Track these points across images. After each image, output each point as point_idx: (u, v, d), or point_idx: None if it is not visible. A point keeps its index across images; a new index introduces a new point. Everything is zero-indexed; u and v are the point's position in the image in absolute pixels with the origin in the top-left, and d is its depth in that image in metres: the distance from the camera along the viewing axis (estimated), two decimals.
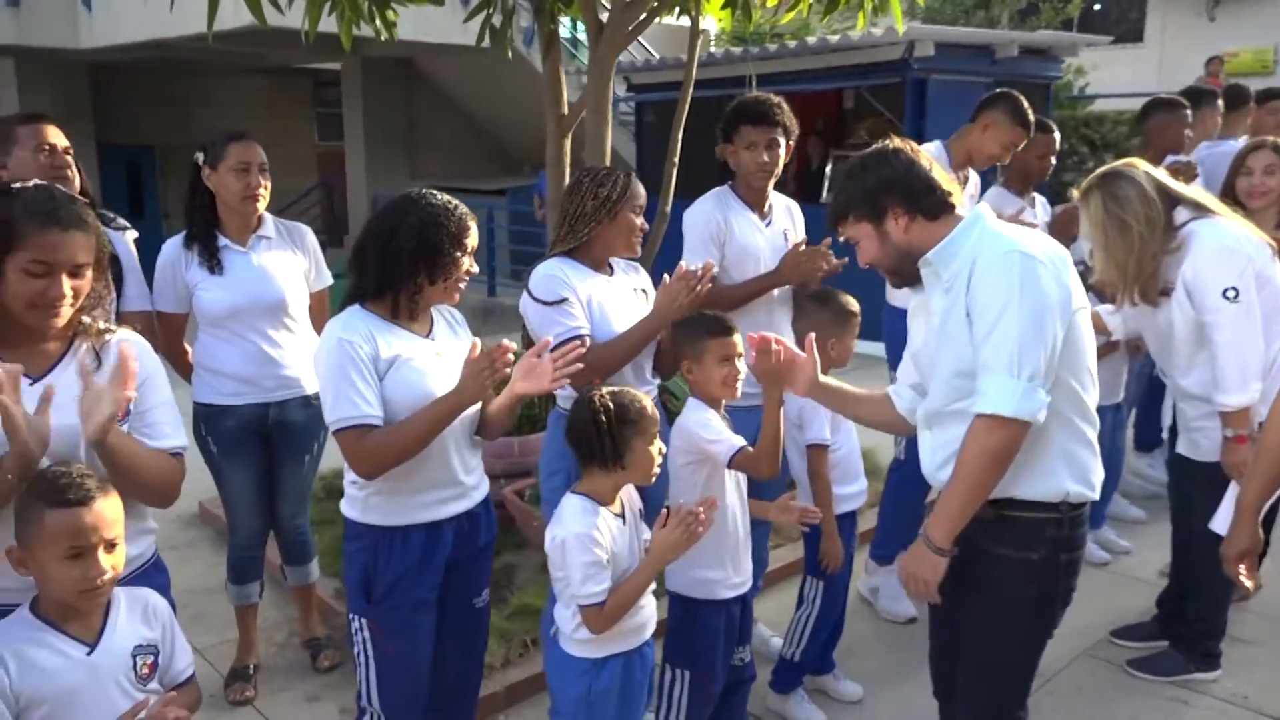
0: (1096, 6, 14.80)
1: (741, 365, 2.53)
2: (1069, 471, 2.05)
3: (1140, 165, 2.95)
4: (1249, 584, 2.20)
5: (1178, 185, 2.97)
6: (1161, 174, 2.97)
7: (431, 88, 13.66)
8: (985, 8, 12.84)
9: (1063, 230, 4.06)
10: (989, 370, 1.94)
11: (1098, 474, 2.12)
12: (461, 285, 2.30)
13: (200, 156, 3.02)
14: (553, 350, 2.28)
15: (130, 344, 1.93)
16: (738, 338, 2.54)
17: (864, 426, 2.60)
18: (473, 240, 2.28)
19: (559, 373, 2.24)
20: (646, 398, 2.27)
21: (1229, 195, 3.41)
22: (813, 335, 2.39)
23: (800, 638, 3.09)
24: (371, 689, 2.34)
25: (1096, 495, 2.11)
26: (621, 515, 2.27)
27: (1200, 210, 2.94)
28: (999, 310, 1.93)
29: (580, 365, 2.27)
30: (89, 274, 1.82)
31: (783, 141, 3.11)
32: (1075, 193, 3.04)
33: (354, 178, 13.57)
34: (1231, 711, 3.12)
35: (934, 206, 2.09)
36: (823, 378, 2.39)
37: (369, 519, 2.29)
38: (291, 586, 3.53)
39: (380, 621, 2.29)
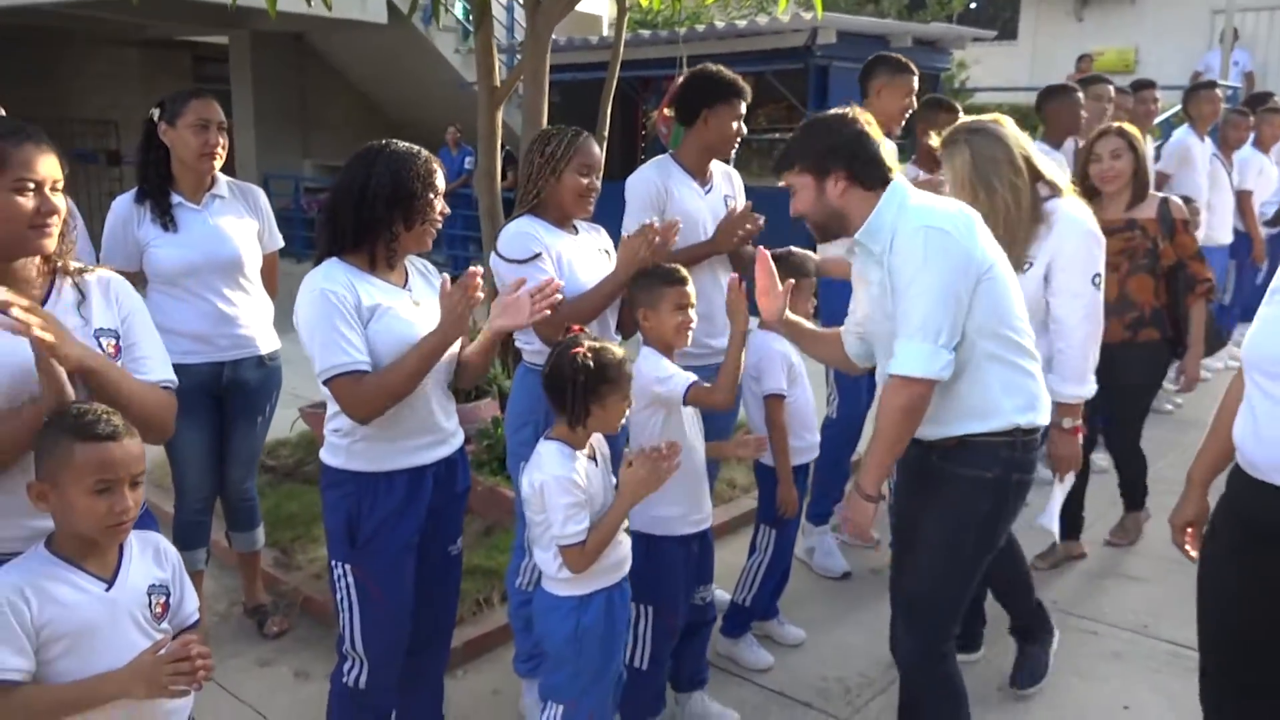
0: (973, 4, 15.51)
1: (693, 314, 2.65)
2: (1014, 404, 2.27)
3: (1006, 124, 2.74)
4: (1193, 553, 2.21)
5: (1039, 157, 2.79)
6: (1026, 141, 2.76)
7: (324, 64, 13.28)
8: (875, 2, 13.33)
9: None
10: (902, 336, 2.17)
11: (1045, 400, 2.35)
12: (435, 228, 2.33)
13: (156, 113, 2.97)
14: (529, 290, 2.33)
15: (114, 281, 1.93)
16: (691, 287, 2.65)
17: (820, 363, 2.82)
18: (440, 182, 2.33)
19: (538, 306, 2.30)
20: (622, 352, 2.37)
21: (1082, 182, 3.56)
22: (791, 282, 2.59)
23: (753, 583, 3.24)
24: (355, 634, 2.36)
25: (1046, 420, 2.34)
26: (594, 458, 2.37)
27: (1056, 190, 2.86)
28: (908, 282, 2.16)
29: (560, 296, 2.34)
30: (61, 194, 1.81)
31: None
32: (935, 137, 2.86)
33: (244, 156, 13.07)
34: (1137, 639, 3.43)
35: (872, 178, 2.27)
36: (787, 313, 2.59)
37: (353, 465, 2.31)
38: (238, 552, 3.48)
39: (365, 565, 2.32)
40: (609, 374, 2.28)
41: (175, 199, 3.01)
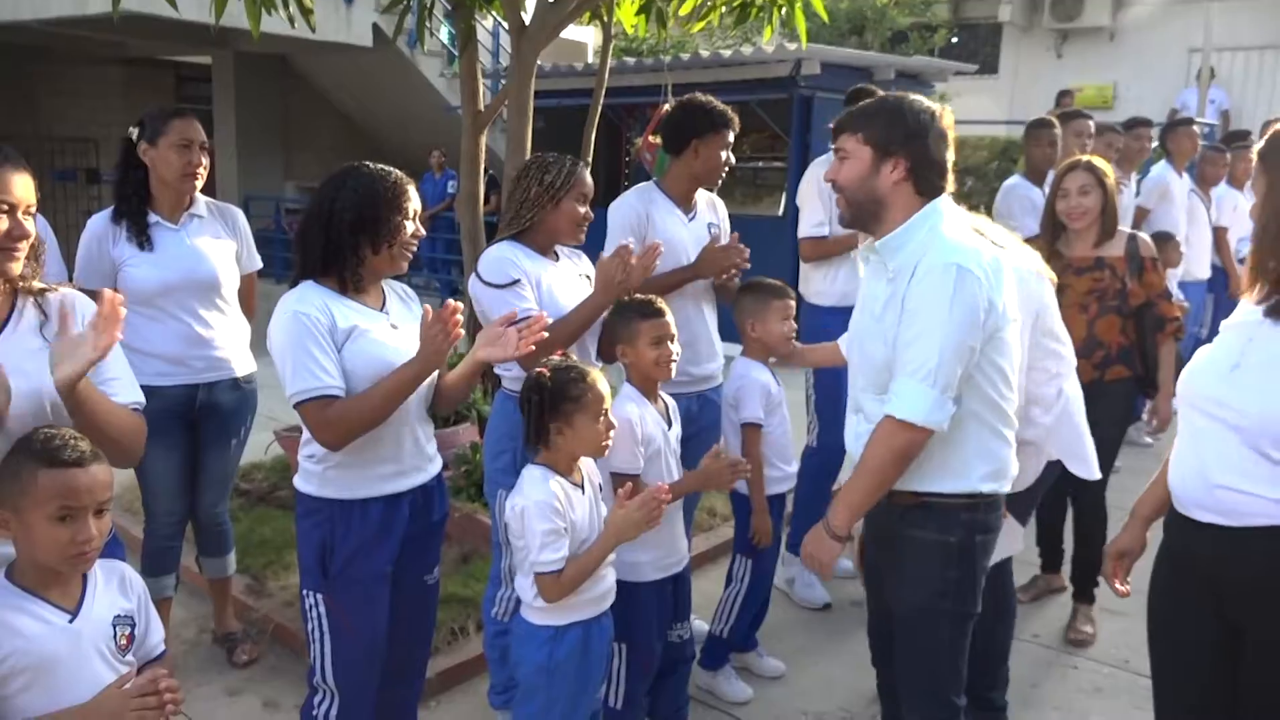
0: (955, 39, 15.72)
1: (675, 346, 2.63)
2: (984, 470, 2.15)
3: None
4: (1123, 589, 2.21)
5: (980, 220, 2.59)
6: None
7: (307, 86, 13.28)
8: (859, 33, 13.49)
9: None
10: (907, 374, 2.02)
11: (1013, 467, 2.23)
12: (408, 251, 2.28)
13: (135, 132, 2.93)
14: (516, 325, 2.30)
15: (79, 300, 1.89)
16: (670, 318, 2.63)
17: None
18: (413, 204, 2.27)
19: (525, 340, 2.24)
20: (595, 372, 2.33)
21: (1050, 217, 3.56)
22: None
23: (730, 614, 3.20)
24: (326, 666, 2.31)
25: (1008, 488, 2.23)
26: (580, 486, 2.33)
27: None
28: (927, 319, 2.01)
29: (545, 334, 2.30)
30: (32, 216, 1.77)
31: None
32: None
33: (225, 177, 13.01)
34: (1117, 674, 3.41)
35: (929, 185, 2.10)
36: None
37: (326, 492, 2.27)
38: (208, 578, 3.41)
39: (337, 596, 2.27)
40: (570, 392, 2.26)
41: (153, 218, 2.97)
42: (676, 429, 2.72)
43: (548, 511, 2.21)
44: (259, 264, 3.28)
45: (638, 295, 2.71)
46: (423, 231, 2.31)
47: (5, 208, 1.70)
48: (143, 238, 2.94)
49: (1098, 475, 3.02)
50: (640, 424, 2.55)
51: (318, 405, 2.13)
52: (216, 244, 3.07)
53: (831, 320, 3.71)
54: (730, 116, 3.20)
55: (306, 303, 2.18)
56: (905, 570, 2.23)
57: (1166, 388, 3.55)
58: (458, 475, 4.17)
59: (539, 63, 4.40)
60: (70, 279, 2.94)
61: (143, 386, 2.94)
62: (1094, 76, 14.54)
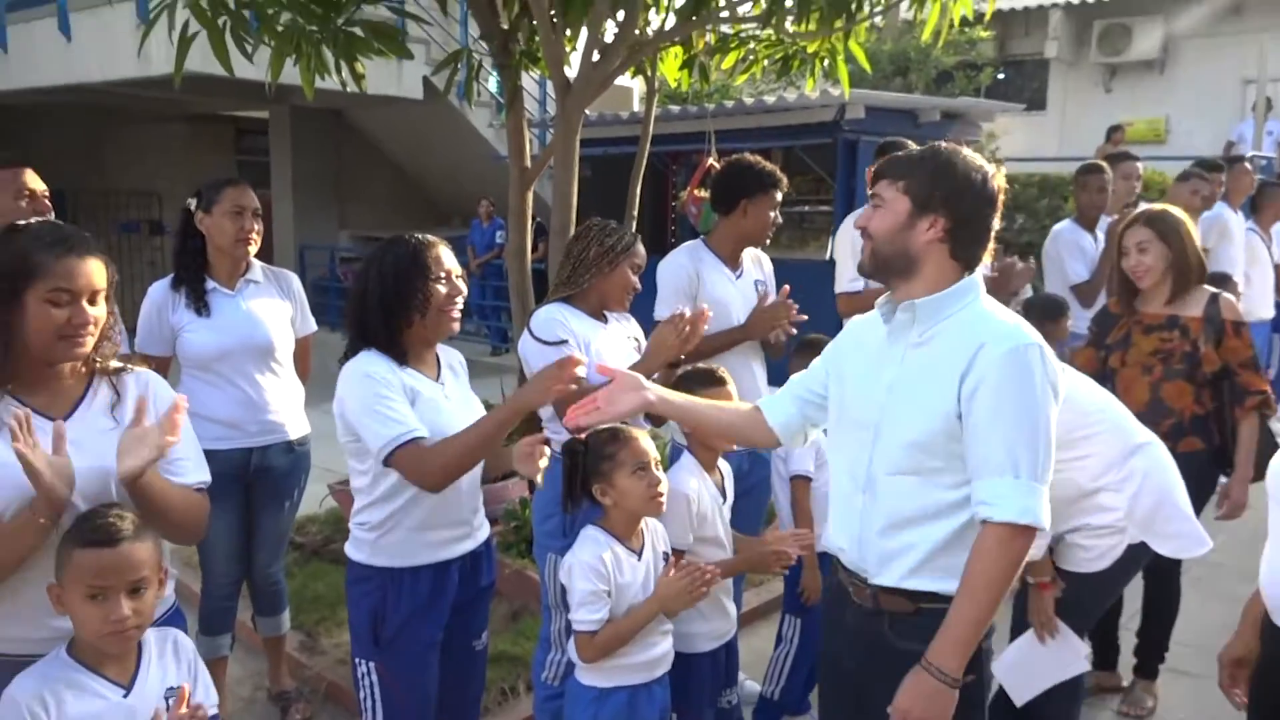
0: (1001, 76, 15.64)
1: None
2: None
3: None
4: (1241, 699, 2.04)
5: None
6: None
7: (361, 139, 13.60)
8: (904, 75, 13.49)
9: (1000, 285, 4.06)
10: (1007, 473, 1.78)
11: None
12: (451, 312, 2.29)
13: (193, 202, 3.03)
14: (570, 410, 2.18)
15: (152, 382, 1.94)
16: (733, 388, 2.65)
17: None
18: (446, 265, 2.28)
19: (565, 380, 2.15)
20: (633, 431, 2.36)
21: (1121, 275, 3.36)
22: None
23: (780, 675, 3.16)
24: None
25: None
26: (639, 552, 2.34)
27: None
28: (1019, 408, 1.79)
29: (581, 377, 2.24)
30: (104, 302, 1.83)
31: None
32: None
33: (281, 228, 13.36)
34: None
35: (966, 251, 1.90)
36: (659, 389, 2.17)
37: (377, 560, 2.29)
38: (264, 637, 3.45)
39: (389, 663, 2.29)
40: (605, 451, 2.30)
41: (210, 285, 3.06)
42: (730, 499, 2.72)
43: (590, 573, 2.26)
44: (313, 327, 3.35)
45: (699, 365, 2.75)
46: (463, 288, 2.32)
47: (66, 296, 1.75)
48: (200, 304, 3.02)
49: (1202, 549, 2.73)
50: (698, 500, 2.56)
51: (411, 450, 2.12)
52: (272, 309, 3.14)
53: None
54: (779, 177, 3.24)
55: (372, 364, 2.22)
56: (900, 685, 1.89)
57: (1243, 470, 3.23)
58: (507, 531, 4.19)
59: (586, 112, 4.47)
60: (132, 345, 3.03)
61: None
62: (1145, 110, 14.34)
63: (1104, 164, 4.98)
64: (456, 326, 2.34)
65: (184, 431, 1.95)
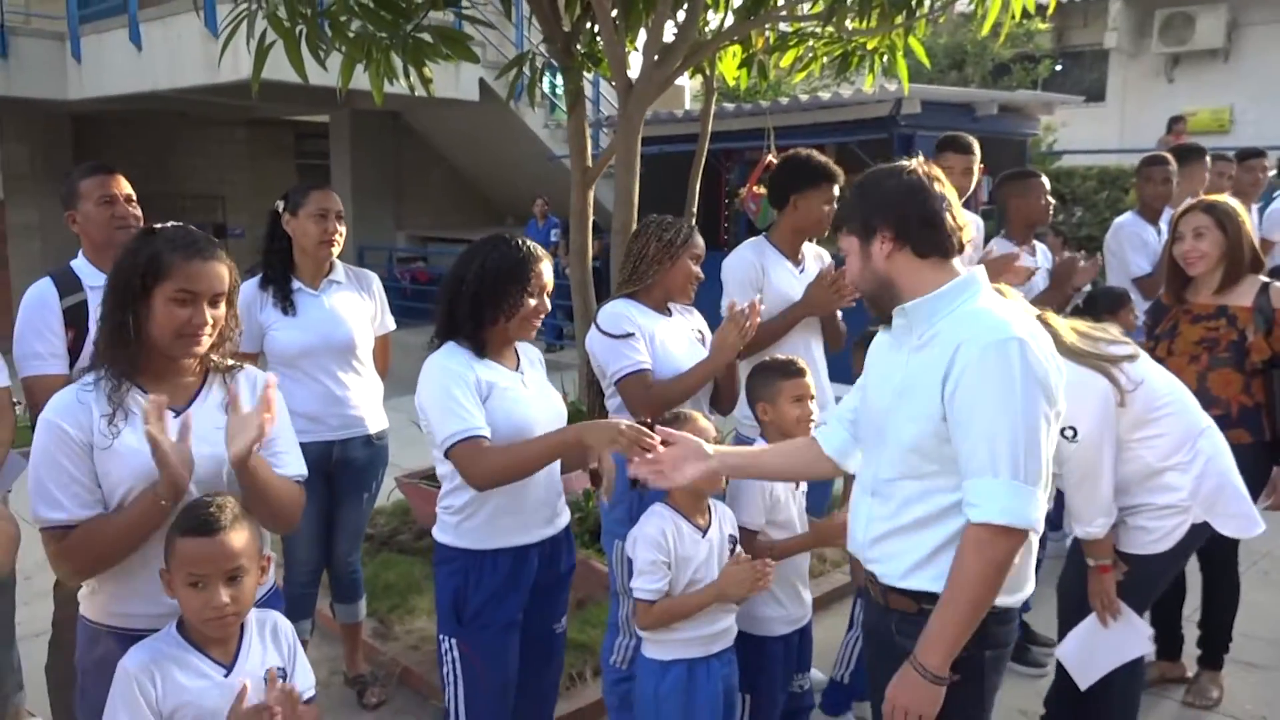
0: (1059, 68, 15.42)
1: (814, 406, 2.70)
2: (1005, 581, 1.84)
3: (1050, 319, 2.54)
4: None
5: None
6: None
7: (418, 140, 13.86)
8: (959, 68, 13.37)
9: (1062, 280, 4.11)
10: (988, 473, 1.77)
11: (1029, 581, 1.98)
12: (535, 322, 2.42)
13: (280, 204, 3.16)
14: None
15: (260, 379, 2.06)
16: (809, 379, 2.72)
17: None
18: (542, 280, 2.40)
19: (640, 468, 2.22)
20: (694, 413, 2.46)
21: (1171, 263, 3.37)
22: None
23: (850, 659, 3.21)
24: (460, 709, 2.43)
25: (1022, 600, 1.96)
26: (704, 529, 2.44)
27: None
28: (995, 406, 1.76)
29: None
30: (224, 305, 1.95)
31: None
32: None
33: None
34: None
35: (925, 243, 1.88)
36: (719, 448, 2.27)
37: (461, 543, 2.40)
38: (341, 623, 3.58)
39: (470, 641, 2.40)
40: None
41: (295, 284, 3.19)
42: (805, 485, 2.78)
43: (651, 544, 2.38)
44: (392, 325, 3.47)
45: (778, 356, 2.82)
46: (547, 307, 2.43)
47: (189, 296, 1.87)
48: (286, 303, 3.15)
49: (1257, 529, 2.75)
50: (772, 483, 2.62)
51: (468, 447, 2.23)
52: (354, 308, 3.27)
53: None
54: (830, 170, 3.27)
55: (451, 358, 2.34)
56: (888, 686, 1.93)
57: None
58: (572, 522, 4.27)
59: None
60: None
61: None
62: (1208, 100, 14.03)
63: (1168, 155, 4.92)
64: (534, 334, 2.47)
65: (283, 426, 2.07)
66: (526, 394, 2.40)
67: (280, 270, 3.18)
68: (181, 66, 10.29)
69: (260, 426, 1.85)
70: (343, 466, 3.25)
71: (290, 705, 1.78)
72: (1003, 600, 1.86)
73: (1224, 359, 3.25)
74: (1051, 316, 2.57)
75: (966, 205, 4.73)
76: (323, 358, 3.18)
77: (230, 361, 2.04)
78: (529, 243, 2.42)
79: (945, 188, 1.91)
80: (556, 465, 2.48)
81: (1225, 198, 3.43)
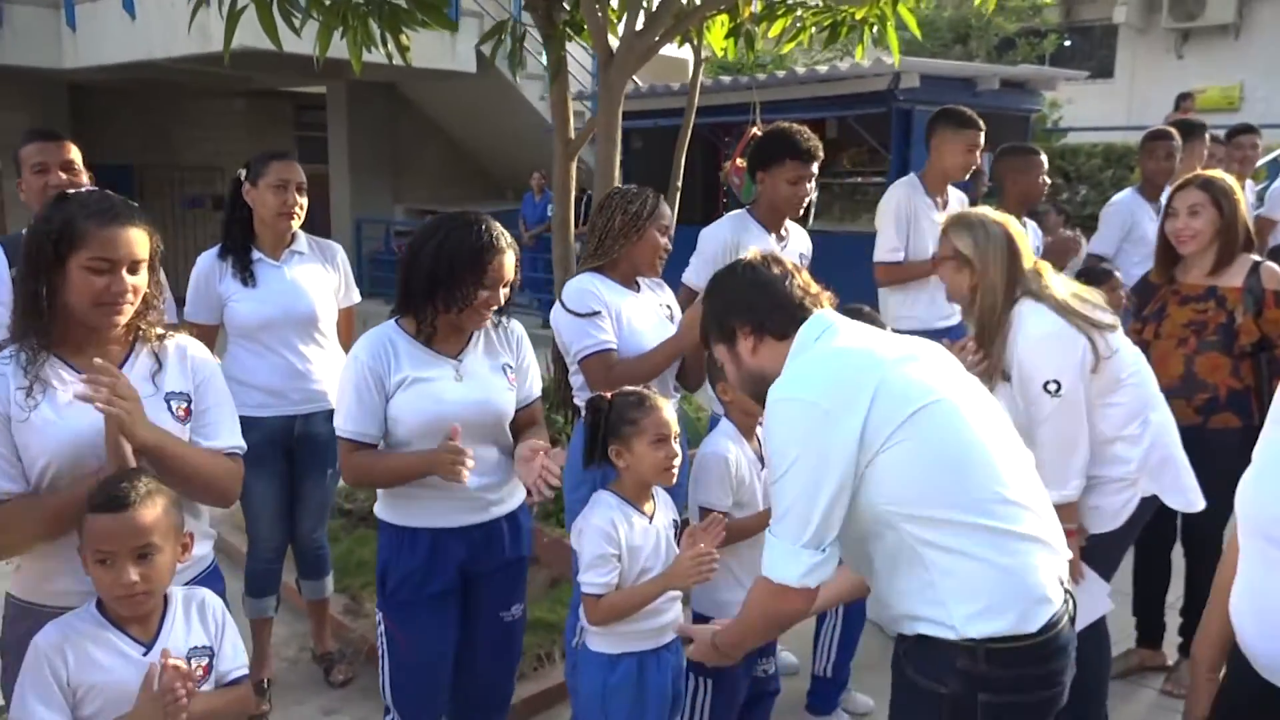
0: (1067, 43, 15.20)
1: None
2: (965, 610, 1.69)
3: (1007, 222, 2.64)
4: None
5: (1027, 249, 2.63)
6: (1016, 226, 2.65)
7: (416, 112, 13.72)
8: (963, 43, 13.17)
9: (1056, 260, 4.05)
10: (772, 531, 1.80)
11: (1026, 602, 1.72)
12: (485, 313, 2.32)
13: (242, 173, 3.09)
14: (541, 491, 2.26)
15: (190, 347, 1.99)
16: None
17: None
18: (499, 273, 2.28)
19: (541, 482, 2.22)
20: (660, 400, 2.36)
21: (1163, 240, 3.29)
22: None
23: (830, 651, 3.13)
24: (386, 683, 2.44)
25: (1029, 627, 1.71)
26: (650, 517, 2.36)
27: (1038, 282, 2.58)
28: (779, 463, 1.77)
29: (556, 483, 2.27)
30: (145, 271, 1.87)
31: (815, 175, 3.25)
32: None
33: (338, 201, 13.57)
34: None
35: (782, 325, 1.89)
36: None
37: (386, 516, 2.41)
38: (307, 600, 3.54)
39: (392, 613, 2.39)
40: (628, 415, 2.30)
41: (256, 255, 3.12)
42: (769, 472, 2.70)
43: (599, 535, 2.28)
44: (357, 298, 3.40)
45: None
46: (499, 301, 2.32)
47: (106, 265, 1.79)
48: (246, 274, 3.08)
49: (1200, 505, 2.76)
50: (735, 464, 2.55)
51: (346, 446, 2.30)
52: (316, 280, 3.20)
53: None
54: (799, 147, 3.19)
55: (367, 347, 2.30)
56: (891, 714, 1.90)
57: None
58: (546, 500, 4.21)
59: (637, 83, 4.44)
60: (180, 315, 3.11)
61: (243, 418, 3.08)
62: (1218, 77, 13.83)
63: (1172, 130, 4.80)
64: (486, 324, 2.39)
65: (219, 396, 2.00)
66: (451, 387, 2.32)
67: (240, 240, 3.11)
68: (175, 35, 10.13)
69: (135, 398, 1.77)
70: (305, 441, 3.19)
71: (188, 685, 1.70)
72: (978, 630, 1.68)
73: (1212, 342, 3.16)
74: (1049, 273, 2.58)
75: (970, 181, 4.65)
76: (283, 330, 3.11)
77: (160, 330, 1.97)
78: (493, 230, 2.29)
79: (782, 264, 1.97)
80: (491, 453, 2.40)
81: (1221, 173, 3.32)
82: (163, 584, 1.77)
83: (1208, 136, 4.91)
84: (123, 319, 1.85)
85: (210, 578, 2.02)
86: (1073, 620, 1.82)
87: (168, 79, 12.63)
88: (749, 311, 1.93)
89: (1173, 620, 3.56)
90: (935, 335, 3.63)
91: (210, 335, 3.16)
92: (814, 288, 1.98)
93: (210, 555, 2.05)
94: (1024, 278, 2.56)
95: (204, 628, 1.85)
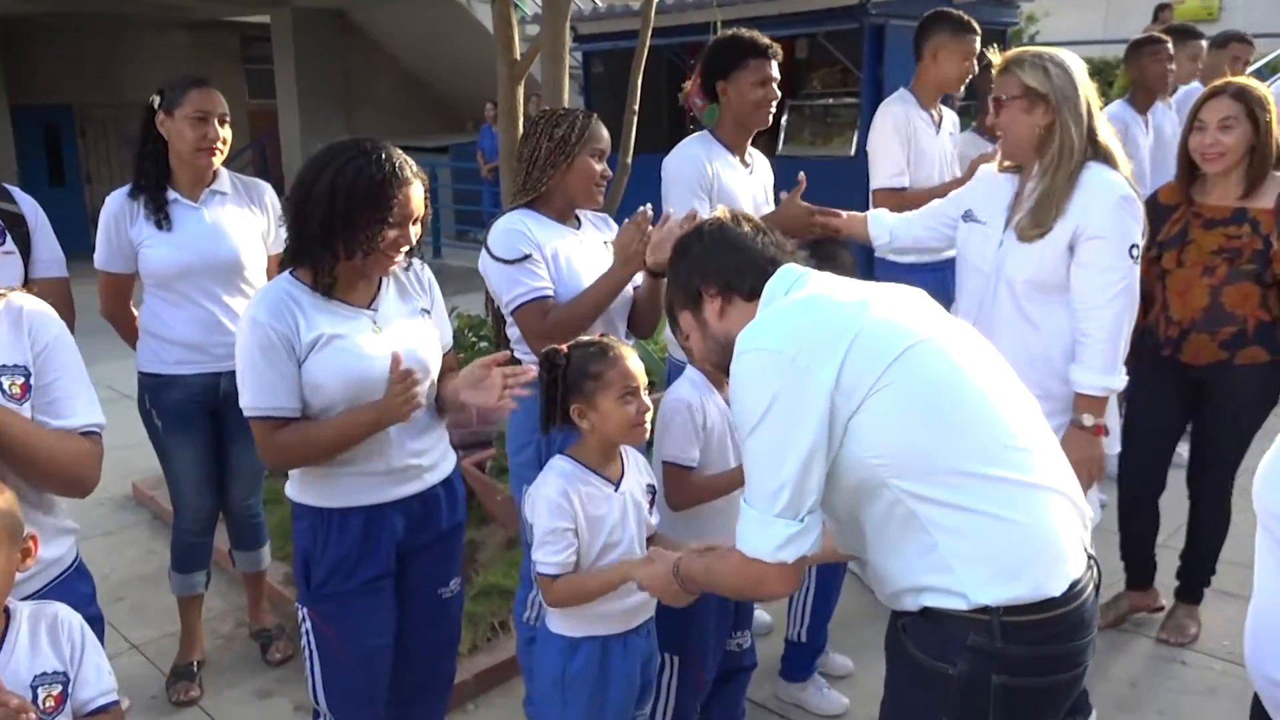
0: None
1: None
2: (977, 574, 1.48)
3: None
4: None
5: (1101, 118, 2.45)
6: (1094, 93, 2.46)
7: (367, 41, 13.12)
8: None
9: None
10: (745, 498, 1.59)
11: (1045, 565, 1.50)
12: (394, 255, 1.99)
13: (156, 100, 2.73)
14: (504, 365, 2.09)
15: (27, 306, 1.67)
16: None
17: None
18: (407, 208, 1.95)
19: (509, 391, 2.03)
20: (623, 348, 2.07)
21: (1184, 157, 2.95)
22: None
23: (803, 616, 2.90)
24: (317, 685, 2.14)
25: (1052, 591, 1.48)
26: (616, 483, 2.08)
27: (1106, 158, 2.42)
28: (744, 425, 1.57)
29: (528, 392, 2.05)
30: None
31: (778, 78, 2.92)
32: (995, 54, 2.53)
33: (288, 136, 13.00)
34: (1232, 671, 3.04)
35: (743, 282, 1.72)
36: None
37: (305, 499, 2.09)
38: (241, 572, 3.27)
39: (321, 610, 2.09)
40: (590, 369, 2.01)
41: (171, 195, 2.79)
42: (739, 434, 2.42)
43: (553, 509, 2.00)
44: None
45: None
46: (410, 240, 2.00)
47: None
48: (160, 216, 2.76)
49: (1117, 448, 2.65)
50: (703, 412, 2.27)
51: (264, 425, 1.97)
52: (240, 222, 2.87)
53: (912, 278, 3.31)
54: (759, 44, 2.89)
55: (264, 306, 1.95)
56: (886, 697, 1.68)
57: None
58: (501, 454, 3.94)
59: (596, 3, 4.07)
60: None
61: (162, 375, 2.84)
62: None
63: (1164, 35, 4.48)
64: (389, 270, 2.06)
65: (68, 368, 1.70)
66: (371, 340, 2.00)
67: (154, 179, 2.77)
68: None
69: None
70: (232, 401, 2.80)
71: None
72: (996, 596, 1.46)
73: (1246, 271, 2.87)
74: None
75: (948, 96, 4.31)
76: (203, 279, 2.80)
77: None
78: (395, 157, 1.95)
79: (753, 221, 1.82)
80: (418, 418, 2.08)
81: (1254, 80, 2.95)
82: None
83: (1203, 44, 4.57)
84: None
85: (71, 581, 1.73)
86: (1097, 589, 1.60)
87: (108, 11, 11.97)
88: (717, 272, 1.75)
89: (1166, 562, 3.36)
90: (937, 267, 3.35)
91: (125, 285, 2.87)
92: (788, 245, 1.81)
93: (72, 554, 1.77)
94: (1097, 129, 2.39)
95: (55, 650, 1.55)
